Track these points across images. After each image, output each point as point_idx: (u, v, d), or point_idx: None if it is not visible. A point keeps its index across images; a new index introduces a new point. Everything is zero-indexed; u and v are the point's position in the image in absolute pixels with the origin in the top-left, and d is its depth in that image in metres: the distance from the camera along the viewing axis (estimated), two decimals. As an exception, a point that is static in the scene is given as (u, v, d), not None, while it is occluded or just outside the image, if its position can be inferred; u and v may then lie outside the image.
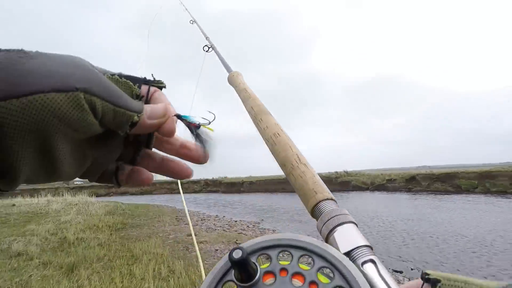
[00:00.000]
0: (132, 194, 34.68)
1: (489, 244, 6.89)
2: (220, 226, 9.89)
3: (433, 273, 0.25)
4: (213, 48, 0.73)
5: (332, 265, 0.22)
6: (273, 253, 0.23)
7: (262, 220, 11.73)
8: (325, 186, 0.35)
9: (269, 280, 0.22)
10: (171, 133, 0.31)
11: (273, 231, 9.32)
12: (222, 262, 0.23)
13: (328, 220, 0.30)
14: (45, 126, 0.22)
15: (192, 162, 0.35)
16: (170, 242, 6.89)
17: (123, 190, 36.17)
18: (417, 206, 13.75)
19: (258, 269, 0.22)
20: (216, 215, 13.23)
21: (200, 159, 0.34)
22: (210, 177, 35.93)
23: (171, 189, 32.96)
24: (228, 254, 0.21)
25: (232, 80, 0.55)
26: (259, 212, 14.14)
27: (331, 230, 0.29)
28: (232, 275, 0.22)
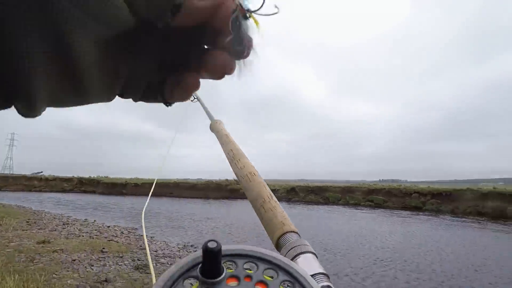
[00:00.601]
0: (-31, 190, 26.85)
1: (332, 246, 8.18)
2: (87, 232, 8.56)
3: None
4: (199, 100, 0.81)
5: (295, 279, 0.23)
6: (239, 261, 0.24)
7: (141, 226, 10.77)
8: (291, 222, 0.39)
9: (232, 282, 0.22)
10: (227, 22, 0.22)
11: (151, 237, 8.66)
12: (191, 257, 0.23)
13: (291, 249, 0.33)
14: (51, 4, 0.16)
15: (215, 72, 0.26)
16: (8, 252, 5.46)
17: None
18: (290, 214, 15.32)
19: (224, 270, 0.22)
20: (85, 219, 11.46)
21: (226, 68, 0.25)
22: (86, 175, 31.27)
23: (29, 186, 27.08)
24: (202, 246, 0.21)
25: (214, 127, 0.63)
26: (138, 217, 13.00)
27: (294, 257, 0.32)
28: (197, 271, 0.22)
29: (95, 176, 30.68)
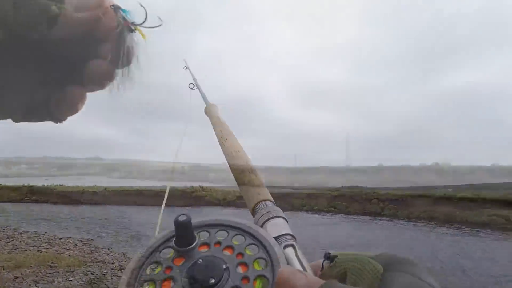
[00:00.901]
0: None
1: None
2: (35, 246, 7.93)
3: (333, 252, 0.28)
4: (197, 87, 0.83)
5: (259, 241, 0.26)
6: (212, 230, 0.27)
7: (98, 236, 10.20)
8: (267, 192, 0.43)
9: (204, 249, 0.25)
10: (109, 33, 0.22)
11: (108, 249, 8.22)
12: (167, 231, 0.27)
13: (262, 215, 0.36)
14: None
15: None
16: None
17: None
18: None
19: (197, 239, 0.25)
20: (34, 231, 10.57)
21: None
22: (38, 184, 28.89)
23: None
24: (174, 219, 0.24)
25: (208, 110, 0.67)
26: (96, 227, 12.25)
27: (265, 221, 0.35)
28: (172, 242, 0.25)
29: (49, 185, 28.48)
